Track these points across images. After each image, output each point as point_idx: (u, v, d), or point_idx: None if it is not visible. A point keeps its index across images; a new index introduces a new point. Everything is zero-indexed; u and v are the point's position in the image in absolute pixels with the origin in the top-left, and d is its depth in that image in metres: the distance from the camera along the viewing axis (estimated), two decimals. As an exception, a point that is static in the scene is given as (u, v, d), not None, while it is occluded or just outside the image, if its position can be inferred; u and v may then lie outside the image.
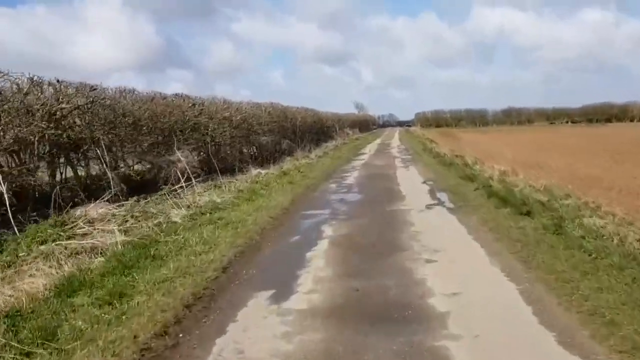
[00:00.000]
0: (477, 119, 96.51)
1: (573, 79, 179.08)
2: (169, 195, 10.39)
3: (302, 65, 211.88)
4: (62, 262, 5.40)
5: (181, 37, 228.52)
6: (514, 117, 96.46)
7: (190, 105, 17.59)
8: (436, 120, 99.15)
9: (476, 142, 42.75)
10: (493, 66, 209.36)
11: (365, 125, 77.05)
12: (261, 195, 10.93)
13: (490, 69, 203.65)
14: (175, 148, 15.10)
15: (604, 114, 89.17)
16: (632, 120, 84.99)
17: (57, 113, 8.33)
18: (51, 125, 8.04)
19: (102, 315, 4.16)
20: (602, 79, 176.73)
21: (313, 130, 37.38)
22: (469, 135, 63.03)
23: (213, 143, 18.96)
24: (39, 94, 8.27)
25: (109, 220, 7.10)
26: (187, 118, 16.70)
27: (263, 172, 18.27)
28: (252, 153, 24.05)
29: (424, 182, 12.58)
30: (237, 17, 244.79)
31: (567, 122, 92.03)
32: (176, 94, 18.05)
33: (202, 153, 19.26)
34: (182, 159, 14.54)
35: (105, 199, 8.21)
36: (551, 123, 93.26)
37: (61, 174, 9.81)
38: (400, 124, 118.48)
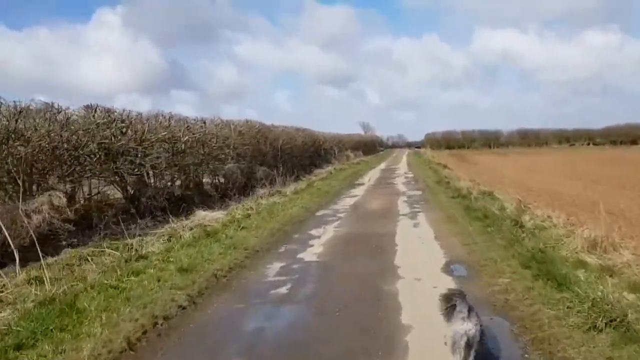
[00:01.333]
0: (491, 140, 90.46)
1: (579, 101, 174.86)
2: None
3: (306, 86, 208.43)
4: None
5: (184, 59, 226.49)
6: (530, 139, 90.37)
7: (101, 121, 12.02)
8: (447, 142, 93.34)
9: (497, 168, 36.70)
10: (497, 87, 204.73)
11: (371, 146, 71.34)
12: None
13: (495, 91, 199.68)
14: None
15: (629, 136, 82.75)
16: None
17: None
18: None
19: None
20: (607, 100, 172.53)
21: (306, 154, 31.75)
22: (486, 158, 56.93)
23: (138, 173, 13.37)
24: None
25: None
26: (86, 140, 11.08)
27: (211, 215, 12.83)
28: (217, 183, 18.40)
29: (447, 269, 6.58)
30: (239, 39, 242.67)
31: (587, 143, 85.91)
32: (87, 105, 12.46)
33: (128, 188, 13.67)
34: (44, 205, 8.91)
35: None
36: (571, 145, 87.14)
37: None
38: (409, 145, 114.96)
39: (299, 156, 29.57)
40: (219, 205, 15.08)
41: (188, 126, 16.11)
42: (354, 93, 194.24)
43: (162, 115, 15.81)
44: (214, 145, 17.34)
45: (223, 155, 18.08)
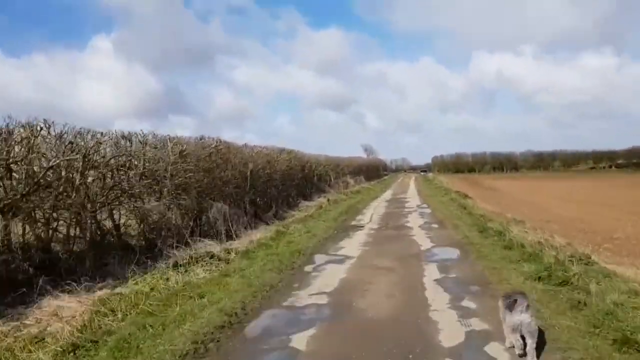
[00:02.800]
0: (504, 164, 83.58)
1: (579, 123, 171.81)
2: None
3: (305, 110, 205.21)
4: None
5: (182, 84, 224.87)
6: (546, 161, 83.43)
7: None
8: (456, 165, 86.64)
9: (530, 199, 29.82)
10: (497, 110, 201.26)
11: (374, 170, 64.51)
12: None
13: (495, 113, 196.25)
14: None
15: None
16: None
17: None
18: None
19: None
20: (608, 122, 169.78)
21: (292, 182, 24.93)
22: (504, 184, 49.86)
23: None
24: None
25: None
26: None
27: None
28: (140, 231, 11.69)
29: None
30: (234, 64, 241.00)
31: (610, 166, 78.91)
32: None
33: None
34: None
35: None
36: (591, 168, 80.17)
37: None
38: (414, 168, 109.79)
39: (282, 185, 22.79)
40: (97, 281, 8.39)
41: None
42: (354, 116, 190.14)
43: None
44: (131, 172, 10.81)
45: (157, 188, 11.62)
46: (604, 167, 78.38)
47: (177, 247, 11.14)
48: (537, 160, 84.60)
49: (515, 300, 4.37)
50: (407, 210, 19.73)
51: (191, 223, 13.98)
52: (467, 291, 6.62)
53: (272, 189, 21.30)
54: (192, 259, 8.93)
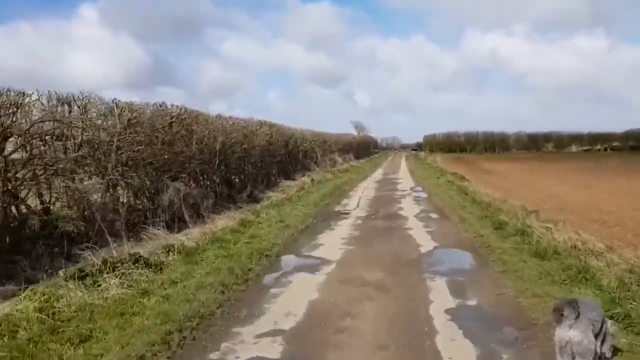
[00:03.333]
0: (497, 144, 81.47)
1: (569, 105, 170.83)
2: None
3: (296, 86, 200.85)
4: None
5: (170, 56, 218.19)
6: (540, 143, 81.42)
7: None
8: (448, 145, 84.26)
9: (538, 184, 27.63)
10: (489, 90, 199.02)
11: (364, 148, 62.01)
12: None
13: (486, 93, 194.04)
14: None
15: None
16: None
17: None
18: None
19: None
20: (599, 105, 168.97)
21: (274, 159, 22.44)
22: (502, 167, 47.72)
23: None
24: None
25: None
26: None
27: None
28: (79, 215, 9.26)
29: None
30: (223, 36, 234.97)
31: (605, 149, 77.02)
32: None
33: None
34: None
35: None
36: (586, 150, 78.25)
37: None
38: (404, 147, 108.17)
39: (262, 162, 20.32)
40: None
41: None
42: (345, 93, 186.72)
43: None
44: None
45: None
46: (599, 150, 76.53)
47: (115, 239, 8.74)
48: (530, 142, 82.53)
49: (562, 312, 3.48)
50: (399, 194, 17.32)
51: (144, 206, 11.56)
52: (502, 340, 4.21)
53: (249, 166, 18.83)
54: (106, 264, 6.40)
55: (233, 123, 17.51)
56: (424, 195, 16.76)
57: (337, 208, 13.83)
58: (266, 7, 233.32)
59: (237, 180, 17.89)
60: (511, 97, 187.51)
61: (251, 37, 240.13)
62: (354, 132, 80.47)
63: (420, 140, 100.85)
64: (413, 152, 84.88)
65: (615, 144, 77.12)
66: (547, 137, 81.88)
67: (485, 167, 44.10)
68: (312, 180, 23.22)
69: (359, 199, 16.08)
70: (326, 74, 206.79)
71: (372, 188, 20.34)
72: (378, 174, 30.49)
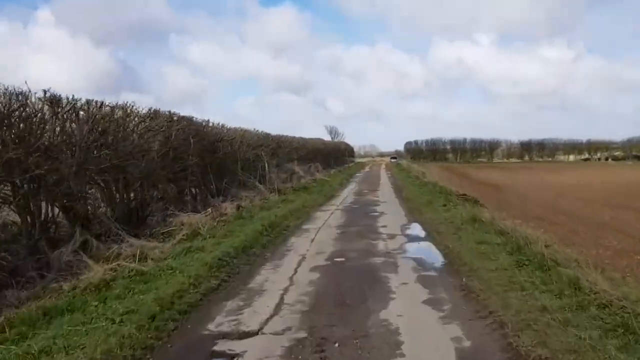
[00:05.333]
0: (487, 153, 73.39)
1: (538, 113, 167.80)
2: None
3: (265, 93, 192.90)
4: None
5: (133, 61, 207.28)
6: (534, 151, 73.65)
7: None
8: (432, 153, 75.95)
9: (553, 203, 19.00)
10: (459, 99, 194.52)
11: (337, 156, 52.96)
12: None
13: (456, 102, 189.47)
14: None
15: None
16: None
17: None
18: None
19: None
20: (566, 114, 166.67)
21: (175, 173, 13.27)
22: (499, 176, 39.06)
23: None
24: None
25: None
26: None
27: None
28: None
29: None
30: (188, 42, 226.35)
31: (606, 158, 69.50)
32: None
33: None
34: None
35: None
36: (585, 159, 70.73)
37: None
38: (382, 155, 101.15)
39: (147, 177, 11.19)
40: None
41: None
42: (315, 101, 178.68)
43: None
44: None
45: None
46: (599, 159, 69.08)
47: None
48: (522, 150, 74.75)
49: None
50: (382, 249, 8.19)
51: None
52: None
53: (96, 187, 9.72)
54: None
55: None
56: (440, 260, 7.61)
57: (220, 323, 4.60)
58: (227, 14, 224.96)
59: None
60: (480, 105, 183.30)
61: (215, 43, 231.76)
62: (328, 138, 71.78)
63: (397, 148, 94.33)
64: (392, 160, 76.46)
65: (616, 153, 69.68)
66: (540, 145, 74.11)
67: (485, 180, 35.42)
68: (240, 208, 14.06)
69: (298, 266, 6.91)
70: (294, 81, 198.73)
71: (333, 227, 11.19)
72: (348, 193, 21.36)
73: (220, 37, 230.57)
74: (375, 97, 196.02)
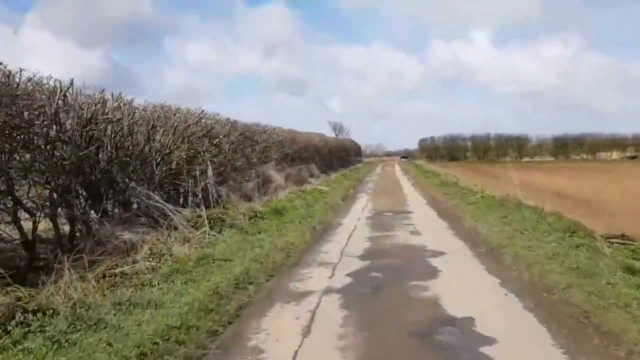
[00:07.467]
0: (515, 149, 63.69)
1: (540, 111, 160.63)
2: None
3: (265, 93, 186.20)
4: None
5: (129, 63, 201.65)
6: (570, 147, 63.88)
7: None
8: (450, 151, 66.26)
9: None
10: (457, 97, 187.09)
11: (341, 156, 43.54)
12: None
13: (454, 100, 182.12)
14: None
15: None
16: None
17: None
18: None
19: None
20: (568, 112, 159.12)
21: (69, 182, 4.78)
22: (546, 179, 29.45)
23: None
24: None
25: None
26: None
27: None
28: None
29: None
30: (182, 43, 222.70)
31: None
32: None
33: None
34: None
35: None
36: (631, 157, 60.87)
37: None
38: (389, 154, 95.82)
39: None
40: None
41: None
42: (314, 101, 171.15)
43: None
44: None
45: None
46: (623, 158, 59.17)
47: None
48: (555, 147, 64.92)
49: None
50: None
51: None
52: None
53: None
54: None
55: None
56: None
57: None
58: (216, 13, 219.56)
59: None
60: (483, 103, 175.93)
61: (209, 43, 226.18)
62: (332, 135, 62.44)
63: (405, 147, 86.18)
64: (403, 160, 67.32)
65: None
66: (578, 141, 64.23)
67: (535, 184, 25.69)
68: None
69: None
70: (291, 81, 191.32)
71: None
72: (357, 219, 11.77)
73: (213, 37, 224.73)
74: (375, 96, 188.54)
